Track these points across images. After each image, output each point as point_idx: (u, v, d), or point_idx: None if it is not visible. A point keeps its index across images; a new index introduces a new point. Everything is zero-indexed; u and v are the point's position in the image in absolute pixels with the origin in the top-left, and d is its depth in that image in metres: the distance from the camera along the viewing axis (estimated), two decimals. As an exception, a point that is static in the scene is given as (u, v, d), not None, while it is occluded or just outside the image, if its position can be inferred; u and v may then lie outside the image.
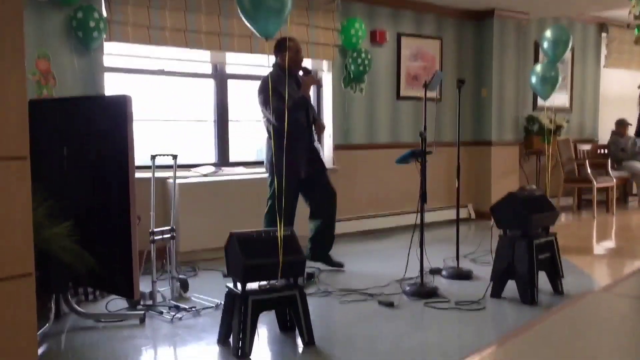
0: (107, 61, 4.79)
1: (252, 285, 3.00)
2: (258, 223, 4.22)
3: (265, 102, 4.23)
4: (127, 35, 4.71)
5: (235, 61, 5.54)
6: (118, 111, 3.08)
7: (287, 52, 4.22)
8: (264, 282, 3.04)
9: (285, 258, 2.97)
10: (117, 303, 3.68)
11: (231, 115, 5.55)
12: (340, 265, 4.65)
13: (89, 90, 4.60)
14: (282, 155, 4.06)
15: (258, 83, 4.38)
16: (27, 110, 1.59)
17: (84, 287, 3.77)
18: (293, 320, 3.16)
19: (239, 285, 2.97)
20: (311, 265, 4.41)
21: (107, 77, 4.79)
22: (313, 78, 4.33)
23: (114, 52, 4.82)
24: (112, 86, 4.84)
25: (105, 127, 3.18)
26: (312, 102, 4.53)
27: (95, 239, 3.18)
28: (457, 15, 7.07)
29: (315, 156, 4.48)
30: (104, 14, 4.59)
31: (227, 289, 3.09)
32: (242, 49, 5.32)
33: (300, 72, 4.43)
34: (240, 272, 2.93)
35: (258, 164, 5.65)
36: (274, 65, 4.43)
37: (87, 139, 3.28)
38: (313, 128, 4.47)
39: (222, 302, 3.19)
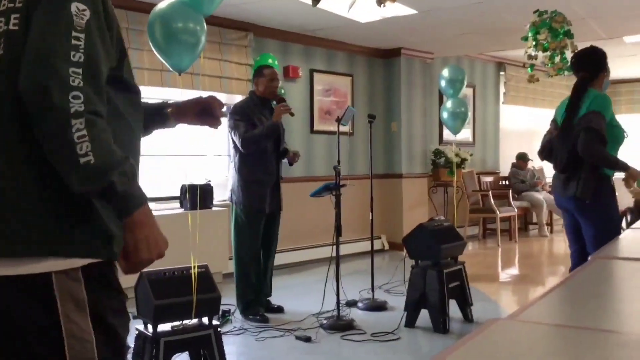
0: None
1: (164, 327, 2.89)
2: (170, 261, 4.09)
3: (234, 126, 4.10)
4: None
5: (146, 95, 5.42)
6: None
7: (261, 78, 4.21)
8: (177, 323, 2.93)
9: (199, 296, 2.88)
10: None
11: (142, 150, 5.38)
12: (280, 309, 4.42)
13: None
14: (248, 186, 4.03)
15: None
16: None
17: None
18: (208, 360, 3.05)
19: (149, 326, 2.85)
20: (226, 303, 4.31)
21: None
22: (286, 106, 4.13)
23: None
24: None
25: None
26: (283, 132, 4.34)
27: None
28: (366, 54, 7.32)
29: (278, 192, 4.30)
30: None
31: (137, 332, 2.95)
32: (153, 83, 5.22)
33: (274, 103, 4.30)
34: (151, 313, 2.81)
35: (170, 199, 5.52)
36: (249, 92, 4.39)
37: None
38: (281, 161, 4.33)
39: (132, 346, 3.04)
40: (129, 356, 3.07)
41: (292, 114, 4.20)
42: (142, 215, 1.25)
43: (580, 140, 3.11)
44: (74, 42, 1.20)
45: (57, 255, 1.20)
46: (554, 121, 3.45)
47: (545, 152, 3.48)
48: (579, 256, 3.34)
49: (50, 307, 1.20)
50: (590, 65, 3.36)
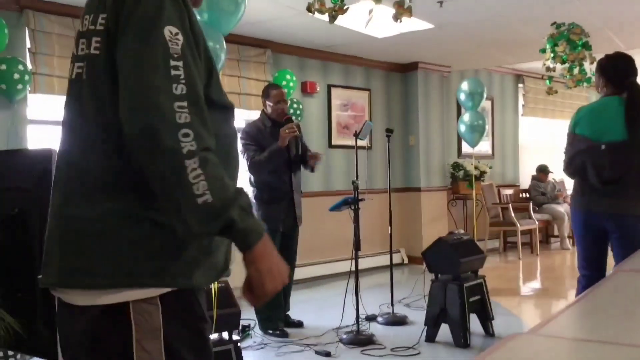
0: (31, 113, 4.66)
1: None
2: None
3: (243, 150, 4.15)
4: (52, 87, 4.59)
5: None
6: (41, 165, 2.97)
7: (267, 99, 4.25)
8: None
9: (219, 311, 2.90)
10: (39, 367, 3.46)
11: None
12: (300, 324, 4.44)
13: (11, 144, 4.43)
14: (260, 204, 4.14)
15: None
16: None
17: (4, 350, 3.53)
18: (228, 376, 3.06)
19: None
20: (246, 317, 4.32)
21: (31, 129, 4.64)
22: (292, 129, 4.06)
23: (39, 104, 4.69)
24: (36, 138, 4.69)
25: (28, 182, 3.05)
26: (295, 147, 4.32)
27: (15, 298, 3.00)
28: (383, 68, 7.34)
29: (293, 208, 4.29)
30: (29, 66, 4.48)
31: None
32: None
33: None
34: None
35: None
36: (261, 112, 4.42)
37: (6, 195, 3.14)
38: (295, 175, 4.33)
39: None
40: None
41: (297, 137, 4.19)
42: (263, 247, 1.19)
43: None
44: (173, 72, 1.11)
45: (136, 286, 1.17)
46: (577, 135, 3.22)
47: (575, 167, 3.24)
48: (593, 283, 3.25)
49: (125, 334, 1.17)
50: (636, 69, 3.28)
